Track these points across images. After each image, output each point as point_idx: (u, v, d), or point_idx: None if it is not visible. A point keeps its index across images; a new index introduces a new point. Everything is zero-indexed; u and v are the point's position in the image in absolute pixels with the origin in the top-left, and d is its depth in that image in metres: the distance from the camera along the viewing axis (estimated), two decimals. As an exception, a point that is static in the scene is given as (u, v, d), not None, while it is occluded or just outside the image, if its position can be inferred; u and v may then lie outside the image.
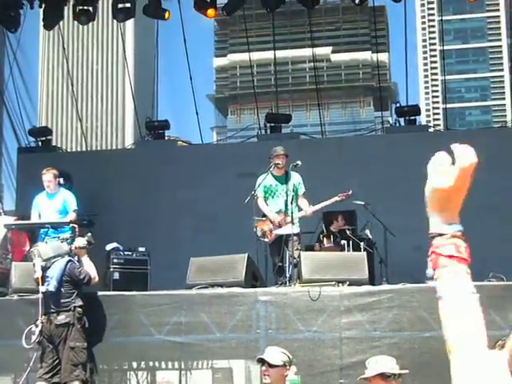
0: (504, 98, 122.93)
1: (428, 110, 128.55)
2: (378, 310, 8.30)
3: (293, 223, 10.02)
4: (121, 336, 8.81)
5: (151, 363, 8.79)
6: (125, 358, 8.85)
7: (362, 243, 11.52)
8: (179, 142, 17.71)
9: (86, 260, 8.73)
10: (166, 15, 16.37)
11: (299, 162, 10.17)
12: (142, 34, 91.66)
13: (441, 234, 1.76)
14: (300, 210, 10.48)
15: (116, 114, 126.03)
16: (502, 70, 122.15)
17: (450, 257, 1.73)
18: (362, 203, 11.97)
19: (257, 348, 8.20)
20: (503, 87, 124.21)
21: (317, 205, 10.49)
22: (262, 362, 6.20)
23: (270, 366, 6.11)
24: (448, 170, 1.72)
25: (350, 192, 10.71)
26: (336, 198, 10.57)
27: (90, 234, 8.93)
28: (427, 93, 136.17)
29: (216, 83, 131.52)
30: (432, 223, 1.78)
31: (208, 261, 9.33)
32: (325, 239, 12.04)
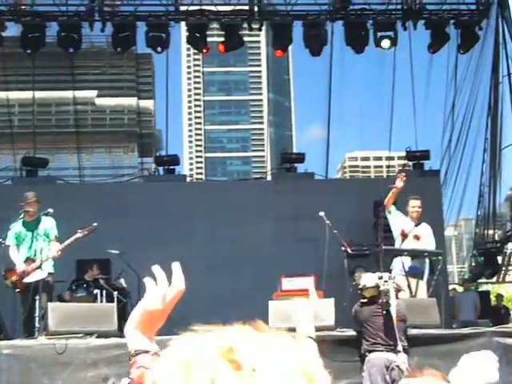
0: (263, 150, 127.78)
1: (191, 159, 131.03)
2: (125, 362, 8.13)
3: (40, 269, 9.67)
4: None
5: None
6: None
7: (115, 292, 11.33)
8: None
9: None
10: None
11: (51, 210, 9.90)
12: None
13: (147, 351, 1.82)
14: (51, 254, 10.14)
15: None
16: (262, 122, 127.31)
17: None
18: (117, 252, 11.82)
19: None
20: (263, 139, 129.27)
21: (61, 245, 10.08)
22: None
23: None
24: (163, 293, 1.75)
25: (95, 224, 10.41)
26: (78, 235, 10.19)
27: None
28: (191, 141, 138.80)
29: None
30: (135, 341, 1.85)
31: None
32: (77, 288, 11.75)
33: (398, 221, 10.83)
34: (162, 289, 1.76)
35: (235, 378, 0.97)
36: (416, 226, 10.75)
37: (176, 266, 1.78)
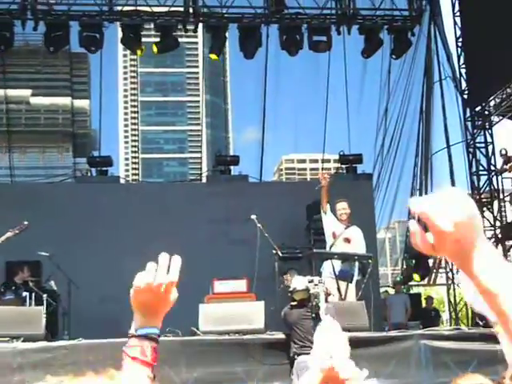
0: (200, 152, 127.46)
1: (127, 160, 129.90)
2: (53, 366, 8.03)
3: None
4: None
5: None
6: None
7: (44, 295, 11.16)
8: None
9: None
10: None
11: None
12: None
13: (133, 336, 1.82)
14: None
15: None
16: (199, 124, 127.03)
17: (134, 359, 1.76)
18: (47, 254, 11.65)
19: None
20: (200, 141, 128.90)
21: None
22: None
23: None
24: (152, 274, 1.86)
25: (26, 223, 10.27)
26: (9, 234, 10.06)
27: None
28: (127, 142, 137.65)
29: None
30: (133, 325, 1.86)
31: None
32: (6, 291, 11.55)
33: (330, 222, 10.95)
34: (153, 271, 1.75)
35: None
36: (346, 228, 10.87)
37: (176, 259, 1.91)
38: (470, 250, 1.29)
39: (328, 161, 22.30)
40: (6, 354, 8.04)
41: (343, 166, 17.23)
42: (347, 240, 10.81)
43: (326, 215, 10.97)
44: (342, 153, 17.13)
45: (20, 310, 9.74)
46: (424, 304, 18.28)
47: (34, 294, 11.16)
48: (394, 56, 17.71)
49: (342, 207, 10.88)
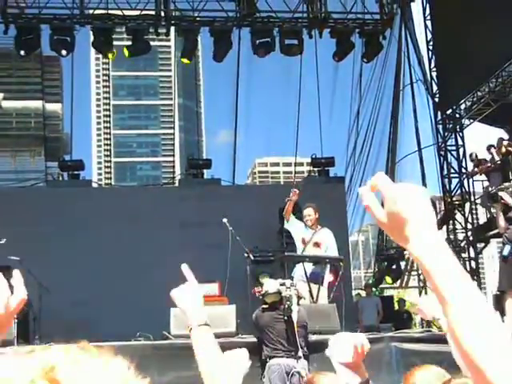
0: (173, 155, 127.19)
1: (100, 163, 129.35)
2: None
3: None
4: None
5: None
6: None
7: (15, 300, 11.09)
8: None
9: None
10: None
11: None
12: None
13: None
14: None
15: None
16: (172, 127, 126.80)
17: None
18: (18, 258, 11.56)
19: None
20: (173, 144, 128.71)
21: None
22: None
23: None
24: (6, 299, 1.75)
25: (3, 241, 10.27)
26: None
27: None
28: (99, 146, 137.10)
29: None
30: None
31: None
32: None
33: (297, 229, 10.99)
34: (5, 295, 1.72)
35: None
36: (315, 233, 10.89)
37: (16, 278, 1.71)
38: (404, 239, 1.33)
39: (301, 164, 22.36)
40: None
41: (315, 169, 17.29)
42: (317, 244, 10.84)
43: (288, 223, 11.03)
44: (314, 156, 17.18)
45: (-11, 316, 9.65)
46: (396, 306, 18.36)
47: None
48: (365, 59, 17.79)
49: (308, 213, 10.92)
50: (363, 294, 18.67)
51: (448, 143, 18.33)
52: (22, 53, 15.95)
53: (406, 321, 17.47)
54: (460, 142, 18.32)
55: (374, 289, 18.49)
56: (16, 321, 9.14)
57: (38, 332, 11.15)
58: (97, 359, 1.05)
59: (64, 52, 16.19)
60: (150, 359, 8.04)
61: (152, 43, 17.05)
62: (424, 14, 18.72)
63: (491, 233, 16.03)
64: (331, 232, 10.99)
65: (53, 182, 17.03)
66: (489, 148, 16.99)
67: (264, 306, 8.62)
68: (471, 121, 18.29)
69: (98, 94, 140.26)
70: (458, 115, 18.20)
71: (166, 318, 8.97)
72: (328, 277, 10.45)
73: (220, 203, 14.41)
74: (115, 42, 16.63)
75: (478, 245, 18.07)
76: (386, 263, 18.75)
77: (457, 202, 18.30)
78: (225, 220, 10.59)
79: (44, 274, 11.73)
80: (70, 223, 14.48)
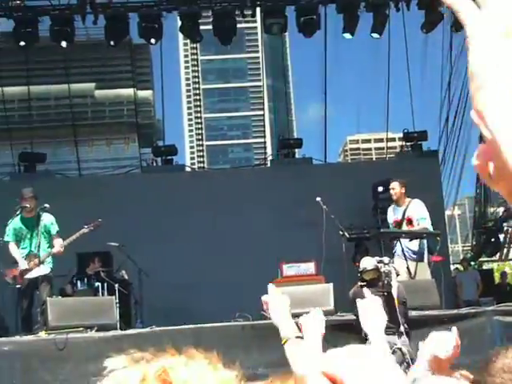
0: (264, 136, 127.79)
1: (192, 148, 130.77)
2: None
3: (42, 264, 9.70)
4: None
5: None
6: None
7: (116, 285, 11.35)
8: None
9: None
10: None
11: (47, 205, 9.92)
12: None
13: None
14: (51, 249, 10.17)
15: None
16: (262, 108, 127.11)
17: None
18: (117, 244, 11.82)
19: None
20: (263, 125, 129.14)
21: (65, 241, 10.13)
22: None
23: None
24: None
25: (100, 220, 10.46)
26: (84, 230, 10.25)
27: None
28: (191, 130, 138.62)
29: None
30: None
31: None
32: (78, 282, 11.77)
33: (389, 216, 10.95)
34: None
35: None
36: (405, 209, 10.73)
37: None
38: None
39: (393, 139, 22.13)
40: (81, 343, 8.20)
41: (408, 144, 17.02)
42: (409, 221, 10.70)
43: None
44: (406, 130, 16.92)
45: (93, 300, 9.92)
46: (498, 280, 17.99)
47: (105, 284, 11.36)
48: (454, 29, 17.39)
49: (392, 187, 10.79)
50: (461, 268, 18.38)
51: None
52: (112, 42, 16.22)
53: (509, 294, 17.10)
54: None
55: (472, 262, 18.16)
56: (118, 305, 9.37)
57: (139, 316, 11.39)
58: (206, 362, 1.08)
59: (153, 40, 16.38)
60: (249, 339, 8.11)
61: (238, 25, 17.05)
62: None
63: None
64: (421, 202, 10.77)
65: (147, 167, 17.32)
66: None
67: (362, 283, 8.56)
68: None
69: (187, 79, 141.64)
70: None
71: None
72: (426, 253, 10.32)
73: (313, 182, 14.36)
74: (202, 27, 16.72)
75: None
76: (484, 236, 18.38)
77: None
78: (318, 199, 10.55)
79: (143, 259, 11.98)
80: (166, 208, 14.69)
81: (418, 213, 10.65)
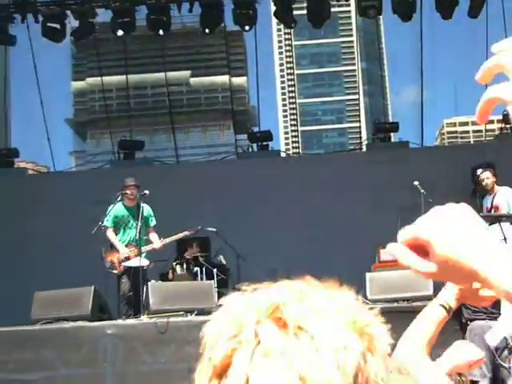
0: (359, 121, 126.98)
1: (287, 133, 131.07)
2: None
3: (141, 255, 9.92)
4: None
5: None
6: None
7: (214, 270, 11.51)
8: (30, 171, 17.31)
9: None
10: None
11: (147, 192, 10.10)
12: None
13: None
14: (149, 242, 10.39)
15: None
16: (357, 93, 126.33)
17: None
18: (214, 230, 11.96)
19: (104, 382, 8.01)
20: (358, 110, 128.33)
21: (166, 238, 10.43)
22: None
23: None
24: None
25: (199, 227, 10.76)
26: (186, 233, 10.60)
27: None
28: (285, 116, 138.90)
29: (74, 107, 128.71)
30: None
31: (53, 295, 9.06)
32: (178, 267, 11.98)
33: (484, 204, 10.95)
34: None
35: (280, 337, 0.97)
36: (494, 197, 10.65)
37: None
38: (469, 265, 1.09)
39: (491, 122, 21.59)
40: (182, 327, 8.34)
41: (508, 126, 16.60)
42: (496, 208, 10.55)
43: None
44: (505, 112, 16.47)
45: (192, 285, 10.09)
46: None
47: (204, 269, 11.53)
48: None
49: (486, 176, 10.92)
50: None
51: None
52: (207, 30, 16.36)
53: None
54: None
55: None
56: (216, 290, 9.50)
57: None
58: (322, 293, 1.06)
59: (247, 27, 16.44)
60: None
61: (332, 9, 16.95)
62: None
63: None
64: (509, 188, 10.65)
65: (243, 154, 17.42)
66: None
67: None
68: None
69: (281, 64, 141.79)
70: None
71: (361, 282, 9.00)
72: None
73: (410, 166, 14.20)
74: (295, 12, 16.69)
75: None
76: None
77: None
78: (416, 183, 10.45)
79: (240, 244, 12.08)
80: (261, 194, 14.75)
81: (505, 201, 10.57)
